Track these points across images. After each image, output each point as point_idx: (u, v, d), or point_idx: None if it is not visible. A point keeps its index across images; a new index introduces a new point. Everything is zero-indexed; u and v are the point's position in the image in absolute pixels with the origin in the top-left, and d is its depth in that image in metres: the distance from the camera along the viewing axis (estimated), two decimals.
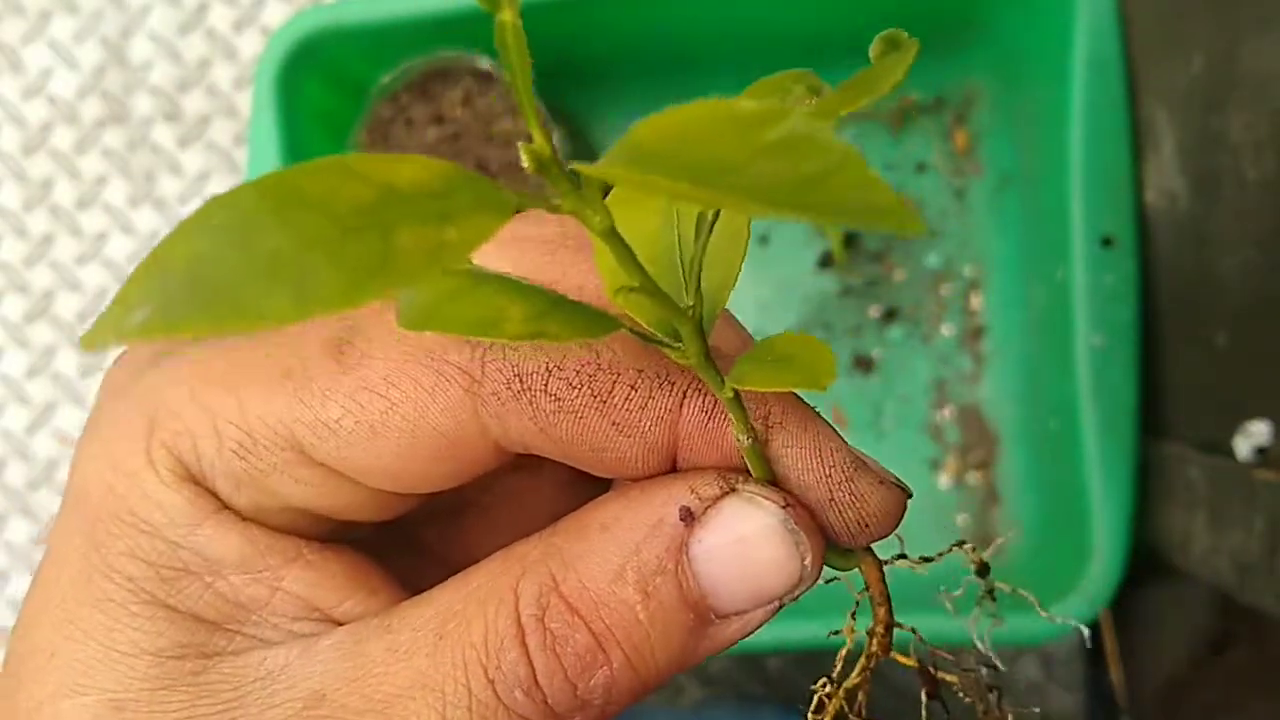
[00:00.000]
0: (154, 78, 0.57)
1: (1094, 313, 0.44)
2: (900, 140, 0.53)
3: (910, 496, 0.17)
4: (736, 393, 0.15)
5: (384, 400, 0.16)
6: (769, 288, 0.53)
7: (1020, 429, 0.51)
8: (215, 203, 0.10)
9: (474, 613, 0.16)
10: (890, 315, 0.52)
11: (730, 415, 0.16)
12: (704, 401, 0.16)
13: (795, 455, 0.16)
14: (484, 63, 0.48)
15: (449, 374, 0.16)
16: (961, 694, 0.18)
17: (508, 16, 0.11)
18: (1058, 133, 0.46)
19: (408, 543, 0.21)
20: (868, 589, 0.17)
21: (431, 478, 0.17)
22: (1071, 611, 0.43)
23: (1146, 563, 0.44)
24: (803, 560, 0.16)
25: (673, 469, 0.17)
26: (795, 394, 0.17)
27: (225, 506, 0.17)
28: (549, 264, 0.18)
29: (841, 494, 0.17)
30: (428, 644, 0.16)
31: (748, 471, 0.16)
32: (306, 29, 0.48)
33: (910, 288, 0.52)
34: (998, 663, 0.18)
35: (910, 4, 0.49)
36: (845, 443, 0.17)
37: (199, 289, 0.10)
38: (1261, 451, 0.38)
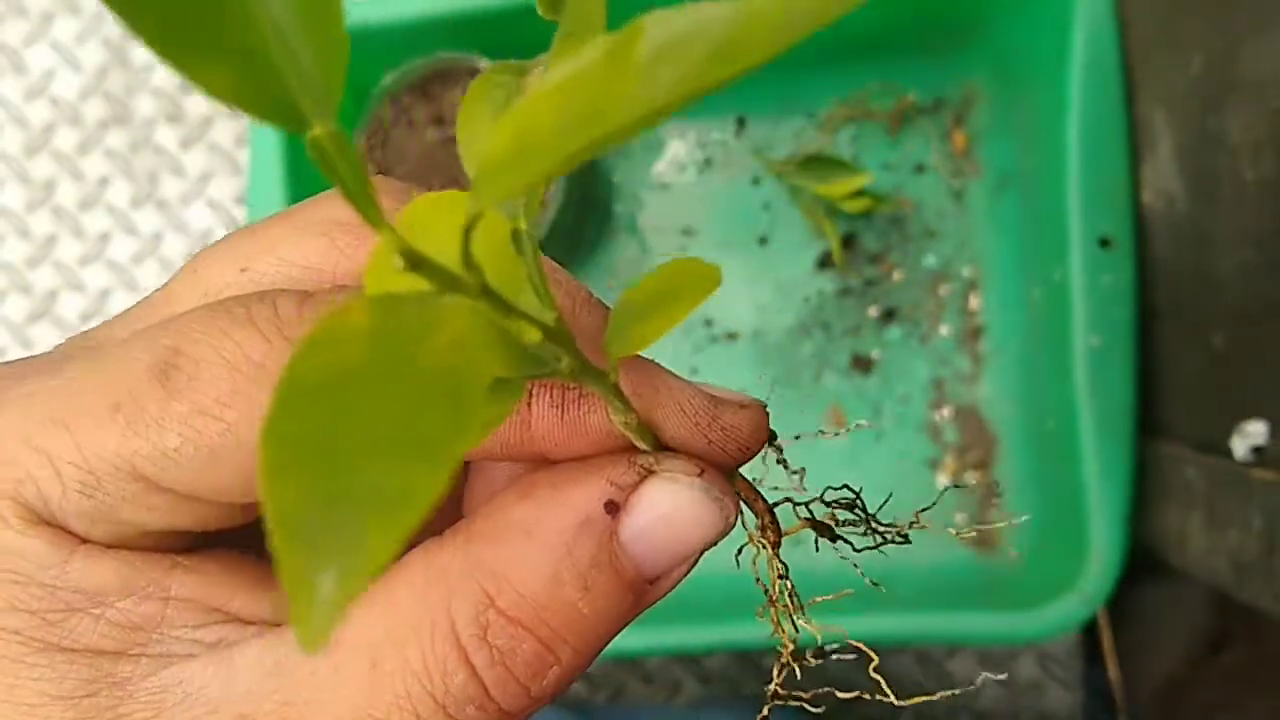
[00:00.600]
0: (156, 79, 0.57)
1: (1092, 313, 0.44)
2: (899, 141, 0.53)
3: (766, 408, 0.18)
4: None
5: (219, 422, 0.16)
6: (768, 288, 0.53)
7: (1018, 429, 0.51)
8: (269, 440, 0.09)
9: (408, 639, 0.16)
10: (889, 315, 0.53)
11: (600, 399, 0.16)
12: (550, 396, 0.17)
13: (660, 418, 0.17)
14: (484, 64, 0.48)
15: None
16: (862, 530, 0.18)
17: (319, 131, 0.11)
18: (1056, 134, 0.46)
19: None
20: (740, 495, 0.18)
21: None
22: (1069, 610, 0.43)
23: (1144, 562, 0.44)
24: (725, 517, 0.17)
25: (540, 459, 0.17)
26: (647, 362, 0.17)
27: (84, 541, 0.17)
28: (358, 247, 0.18)
29: (715, 434, 0.17)
30: (360, 673, 0.16)
31: (633, 446, 0.17)
32: None
33: (909, 288, 0.53)
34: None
35: (909, 5, 0.49)
36: (693, 385, 0.17)
37: (348, 520, 0.09)
38: (1258, 451, 0.38)
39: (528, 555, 0.16)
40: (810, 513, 0.19)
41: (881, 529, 0.19)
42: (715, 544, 0.17)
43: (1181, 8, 0.42)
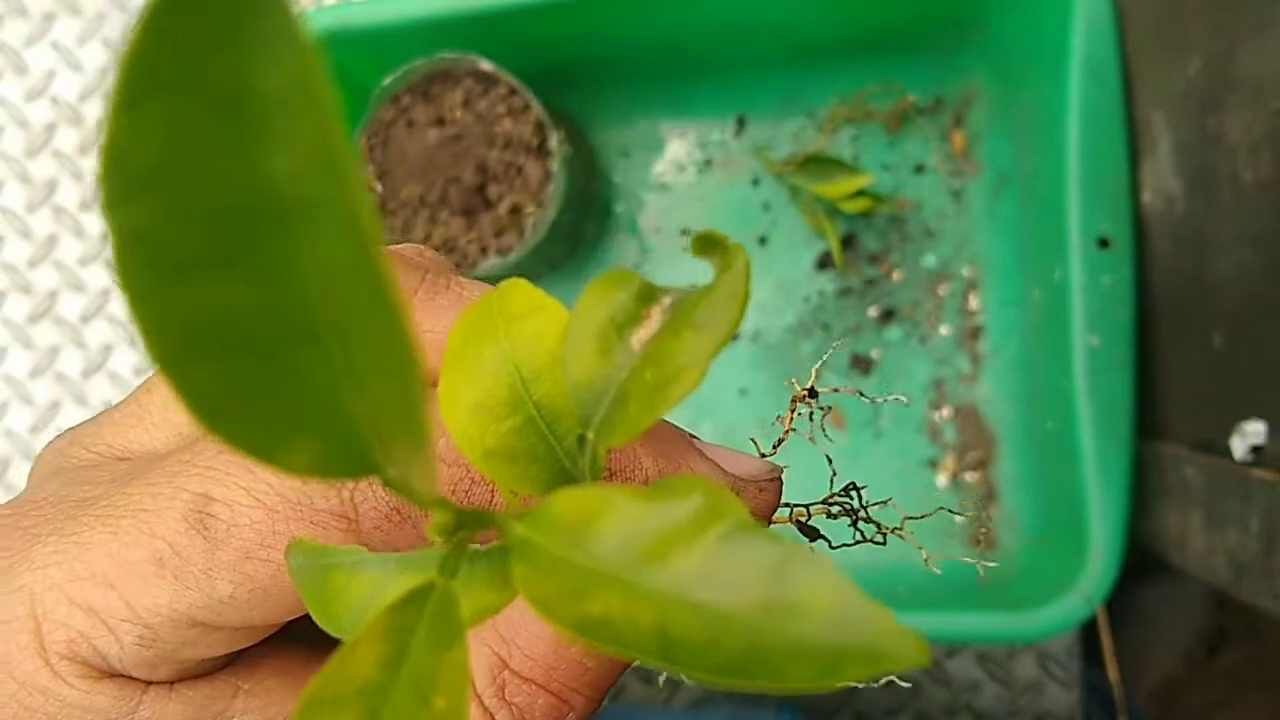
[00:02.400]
0: None
1: (1091, 313, 0.44)
2: (898, 141, 0.53)
3: (781, 477, 0.19)
4: None
5: (268, 564, 0.16)
6: (767, 288, 0.53)
7: (1018, 429, 0.51)
8: None
9: None
10: (888, 315, 0.53)
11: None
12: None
13: None
14: (484, 65, 0.48)
15: (323, 522, 0.16)
16: (857, 531, 0.19)
17: (391, 473, 0.11)
18: (1055, 134, 0.46)
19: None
20: None
21: (290, 611, 0.17)
22: (1068, 610, 0.43)
23: (1143, 562, 0.44)
24: None
25: None
26: (673, 434, 0.18)
27: (149, 684, 0.17)
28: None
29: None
30: None
31: None
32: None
33: (908, 288, 0.53)
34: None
35: (908, 5, 0.49)
36: (717, 465, 0.18)
37: None
38: (1257, 451, 0.38)
39: (532, 619, 0.17)
40: (807, 512, 0.19)
41: (866, 522, 0.19)
42: None
43: (1181, 8, 0.42)
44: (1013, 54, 0.50)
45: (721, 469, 0.18)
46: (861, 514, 0.19)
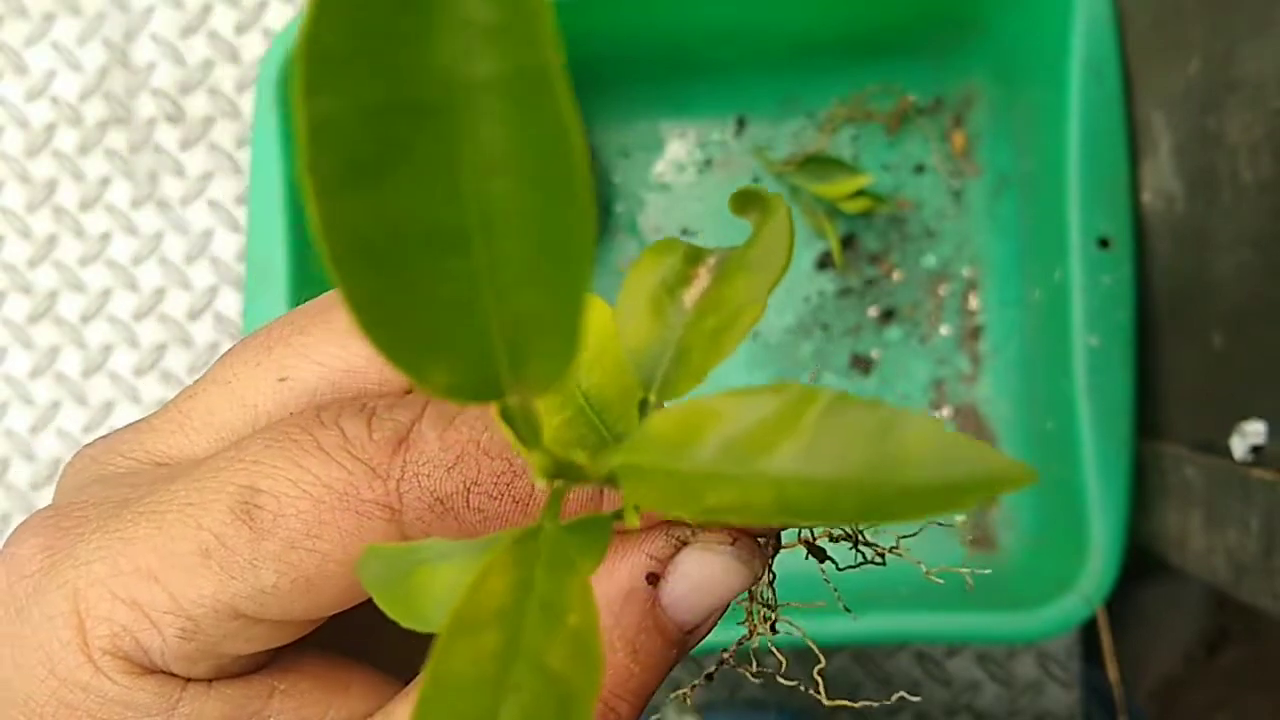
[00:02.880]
0: (157, 80, 0.57)
1: (1091, 313, 0.45)
2: (898, 141, 0.53)
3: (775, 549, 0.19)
4: None
5: (314, 554, 0.16)
6: None
7: (1018, 429, 0.51)
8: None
9: None
10: (888, 315, 0.53)
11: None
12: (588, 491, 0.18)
13: None
14: None
15: (368, 512, 0.16)
16: (860, 555, 0.20)
17: (513, 400, 0.12)
18: (1055, 134, 0.46)
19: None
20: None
21: (334, 603, 0.18)
22: (1068, 610, 0.43)
23: (1143, 562, 0.44)
24: (755, 574, 0.18)
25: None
26: None
27: (189, 681, 0.17)
28: None
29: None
30: None
31: (684, 522, 0.18)
32: None
33: (908, 288, 0.53)
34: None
35: (908, 5, 0.49)
36: (726, 542, 0.19)
37: None
38: (1257, 451, 0.38)
39: None
40: (812, 534, 0.20)
41: (866, 545, 0.20)
42: (744, 591, 0.18)
43: (1181, 8, 0.42)
44: (1013, 54, 0.50)
45: None
46: (860, 537, 0.19)
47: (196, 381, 0.20)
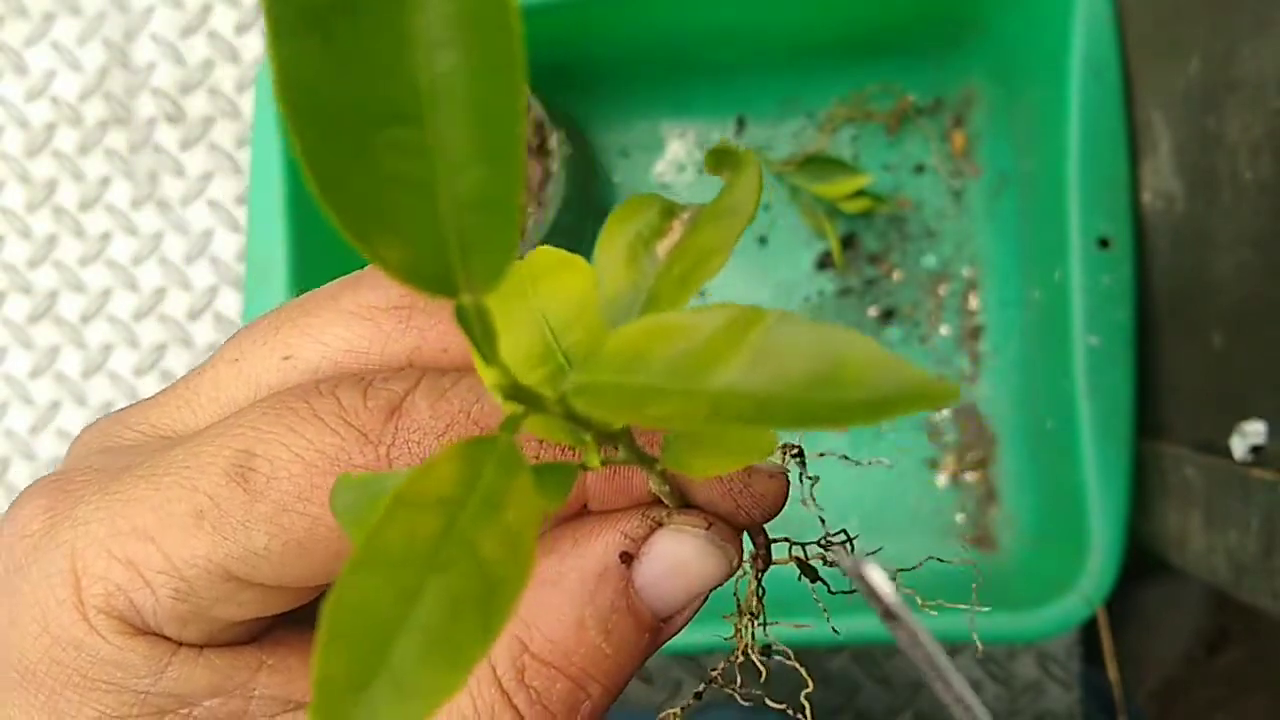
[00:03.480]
0: (157, 80, 0.57)
1: (1091, 313, 0.45)
2: (898, 141, 0.53)
3: (787, 475, 0.19)
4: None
5: (305, 517, 0.17)
6: (767, 289, 0.53)
7: (1018, 429, 0.51)
8: (335, 606, 0.11)
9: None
10: (888, 315, 0.53)
11: (645, 471, 0.18)
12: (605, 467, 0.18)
13: (698, 483, 0.18)
14: None
15: None
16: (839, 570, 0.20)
17: (467, 299, 0.12)
18: (1055, 134, 0.46)
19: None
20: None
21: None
22: (1068, 610, 0.43)
23: (1143, 561, 0.44)
24: (729, 562, 0.18)
25: (581, 510, 0.18)
26: None
27: (180, 645, 0.18)
28: (404, 331, 0.19)
29: (744, 500, 0.18)
30: None
31: (659, 502, 0.18)
32: None
33: (908, 288, 0.53)
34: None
35: (908, 5, 0.49)
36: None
37: (373, 702, 0.10)
38: (1257, 451, 0.38)
39: (554, 604, 0.17)
40: (804, 552, 0.20)
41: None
42: (722, 584, 0.18)
43: (1181, 9, 0.42)
44: (1013, 54, 0.50)
45: None
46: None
47: (205, 361, 0.20)
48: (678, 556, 0.18)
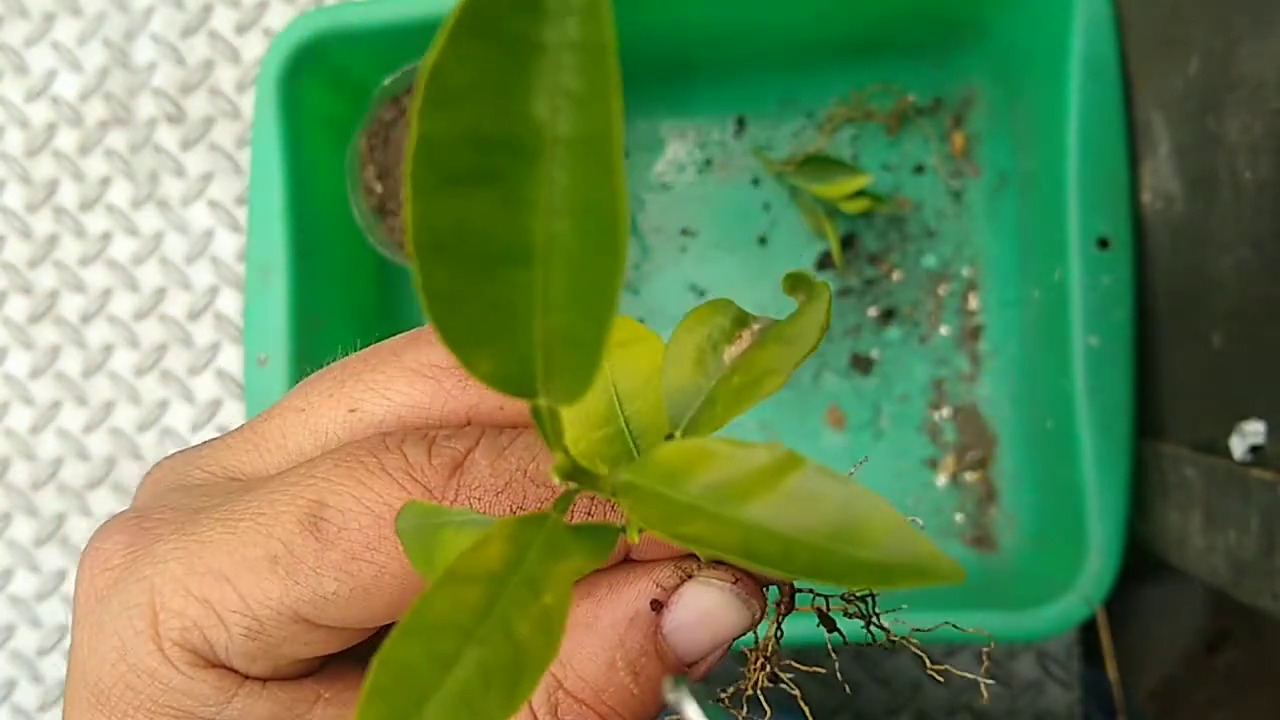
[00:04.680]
0: (157, 80, 0.57)
1: (1090, 313, 0.45)
2: (898, 141, 0.53)
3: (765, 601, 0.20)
4: None
5: (372, 565, 0.18)
6: (768, 289, 0.53)
7: (1017, 429, 0.51)
8: (381, 664, 0.12)
9: None
10: (888, 315, 0.53)
11: None
12: None
13: None
14: None
15: None
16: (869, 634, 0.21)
17: (542, 402, 0.14)
18: (1055, 135, 0.46)
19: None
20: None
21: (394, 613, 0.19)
22: (1068, 610, 0.43)
23: (1142, 561, 0.44)
24: (753, 615, 0.19)
25: (625, 557, 0.19)
26: None
27: (246, 678, 0.19)
28: (464, 389, 0.20)
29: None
30: None
31: (693, 556, 0.19)
32: (309, 31, 0.48)
33: (908, 288, 0.53)
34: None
35: (908, 6, 0.49)
36: (729, 580, 0.19)
37: None
38: (1256, 451, 0.38)
39: (588, 645, 0.19)
40: (826, 604, 0.21)
41: (878, 627, 0.21)
42: (745, 634, 0.19)
43: (1181, 9, 0.42)
44: (1012, 54, 0.50)
45: None
46: (875, 620, 0.21)
47: (271, 407, 0.21)
48: (704, 606, 0.19)
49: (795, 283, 0.18)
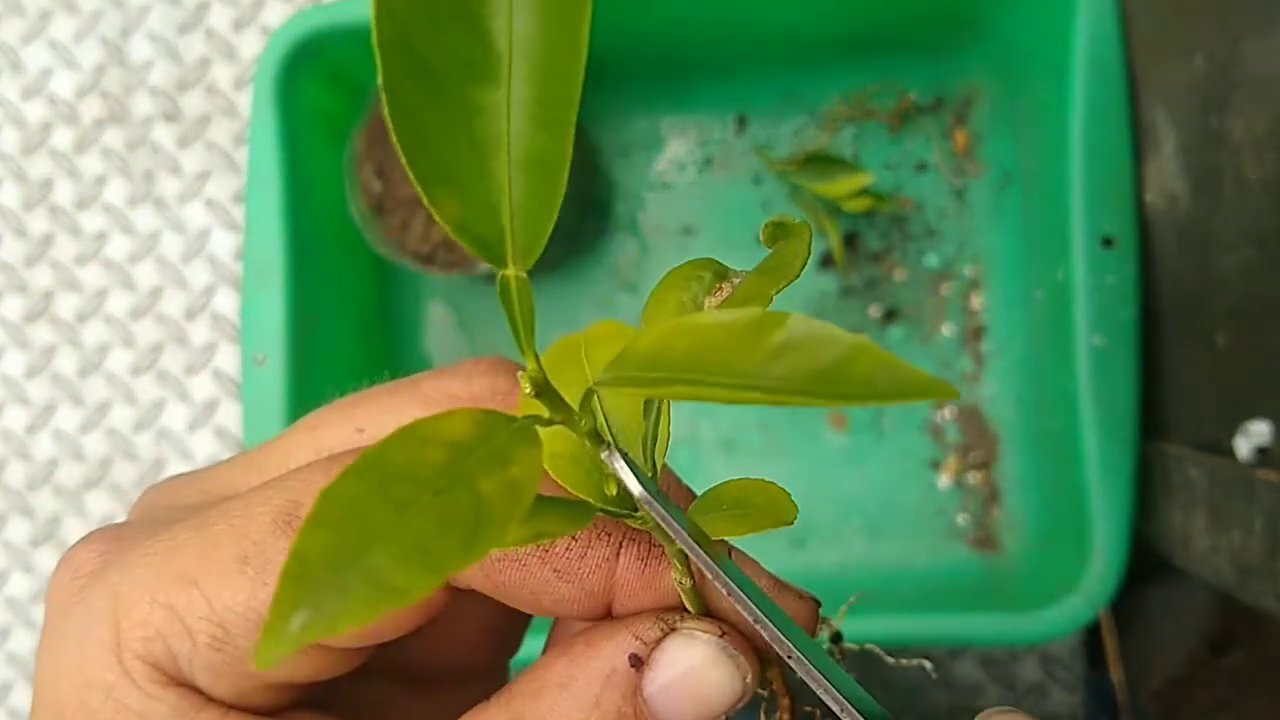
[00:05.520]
0: (153, 77, 0.57)
1: (1094, 313, 0.44)
2: (900, 140, 0.53)
3: (820, 606, 0.19)
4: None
5: None
6: None
7: (1021, 429, 0.51)
8: (325, 497, 0.12)
9: None
10: (890, 315, 0.52)
11: (670, 560, 0.17)
12: (639, 550, 0.18)
13: (726, 586, 0.18)
14: None
15: None
16: None
17: (511, 272, 0.13)
18: (1058, 133, 0.46)
19: (358, 672, 0.22)
20: (773, 684, 0.19)
21: (395, 628, 0.18)
22: (1072, 612, 0.43)
23: (1147, 563, 0.44)
24: (744, 678, 0.18)
25: (607, 611, 0.18)
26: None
27: (209, 702, 0.18)
28: None
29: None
30: None
31: (683, 608, 0.18)
32: (306, 29, 0.48)
33: (910, 288, 0.52)
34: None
35: (910, 3, 0.49)
36: (764, 569, 0.18)
37: (342, 584, 0.11)
38: (1262, 452, 0.38)
39: (560, 705, 0.17)
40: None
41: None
42: (738, 706, 0.18)
43: (1184, 7, 0.42)
44: (1015, 51, 0.50)
45: (765, 569, 0.19)
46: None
47: (285, 430, 0.21)
48: (689, 664, 0.17)
49: (775, 230, 0.17)
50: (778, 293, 0.15)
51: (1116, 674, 0.50)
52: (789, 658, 0.17)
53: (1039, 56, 0.48)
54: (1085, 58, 0.45)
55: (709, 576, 0.17)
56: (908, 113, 0.53)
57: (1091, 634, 0.51)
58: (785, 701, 0.19)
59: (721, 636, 0.17)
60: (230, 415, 0.56)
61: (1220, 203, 0.39)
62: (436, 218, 0.12)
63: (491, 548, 0.11)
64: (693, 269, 0.17)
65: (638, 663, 0.17)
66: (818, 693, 0.17)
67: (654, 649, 0.17)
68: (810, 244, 0.16)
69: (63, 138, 0.58)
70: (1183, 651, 0.47)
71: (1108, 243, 0.45)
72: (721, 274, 0.17)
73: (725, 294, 0.17)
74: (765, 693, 0.19)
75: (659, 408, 0.17)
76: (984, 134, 0.52)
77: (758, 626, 0.17)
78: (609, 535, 0.18)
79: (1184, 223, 0.42)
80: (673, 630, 0.17)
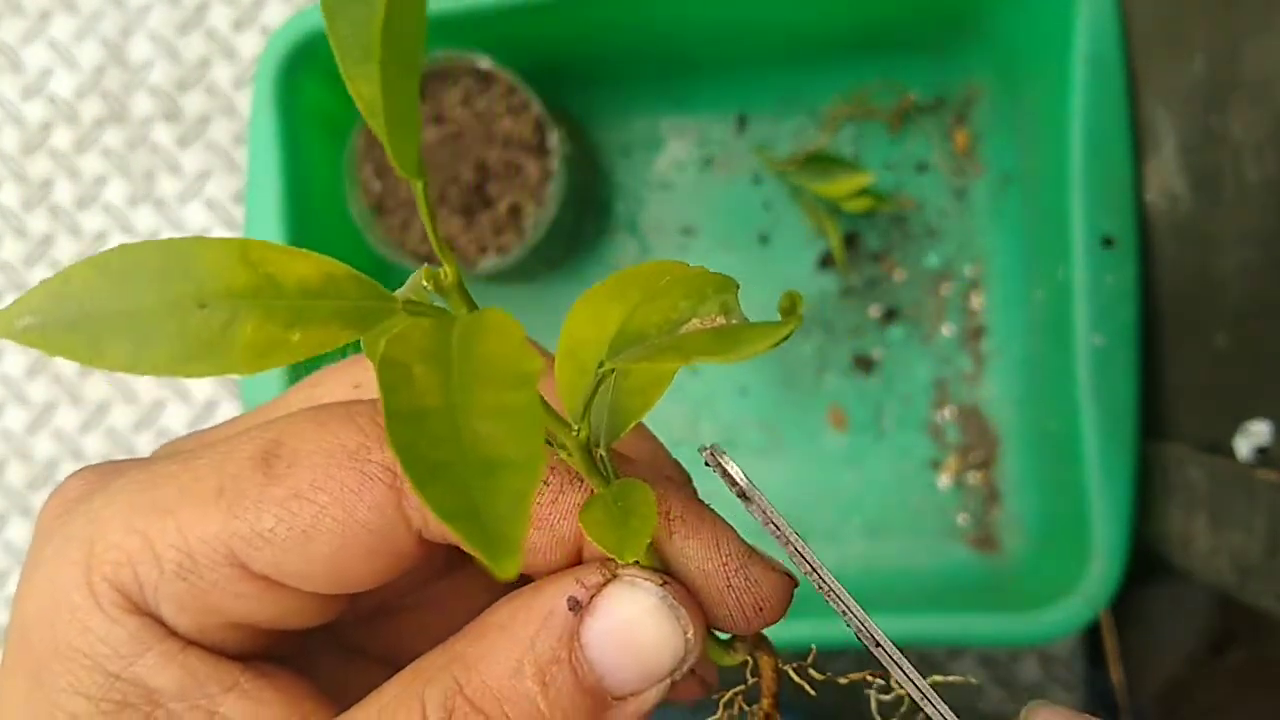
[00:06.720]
0: (153, 77, 0.57)
1: (1095, 313, 0.44)
2: (900, 140, 0.53)
3: (797, 585, 0.19)
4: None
5: (313, 505, 0.17)
6: (769, 288, 0.53)
7: (1021, 429, 0.51)
8: (122, 249, 0.12)
9: None
10: (890, 315, 0.52)
11: (577, 507, 0.18)
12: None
13: (694, 547, 0.18)
14: (483, 63, 0.48)
15: (372, 472, 0.17)
16: None
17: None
18: (1058, 133, 0.46)
19: (340, 646, 0.22)
20: (759, 678, 0.19)
21: (364, 575, 0.18)
22: (1072, 612, 0.43)
23: (1147, 563, 0.44)
24: (685, 634, 0.17)
25: (579, 563, 0.18)
26: (694, 490, 0.19)
27: (170, 634, 0.18)
28: None
29: (737, 580, 0.18)
30: None
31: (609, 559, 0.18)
32: (306, 29, 0.48)
33: (910, 288, 0.52)
34: None
35: (910, 4, 0.49)
36: (738, 535, 0.18)
37: (73, 319, 0.11)
38: (1262, 452, 0.38)
39: (498, 646, 0.17)
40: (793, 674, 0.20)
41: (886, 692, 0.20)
42: (681, 669, 0.18)
43: (1185, 6, 0.42)
44: (1015, 52, 0.50)
45: (740, 537, 0.18)
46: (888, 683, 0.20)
47: (289, 388, 0.21)
48: (628, 614, 0.17)
49: (786, 302, 0.17)
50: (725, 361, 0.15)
51: (1116, 674, 0.50)
52: (874, 645, 0.17)
53: (1039, 56, 0.48)
54: (1085, 58, 0.45)
55: (812, 570, 0.17)
56: (908, 113, 0.53)
57: (1091, 634, 0.51)
58: (766, 702, 0.19)
59: (663, 585, 0.17)
60: (230, 415, 0.56)
61: (1220, 203, 0.39)
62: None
63: (198, 375, 0.12)
64: (709, 284, 0.17)
65: (576, 606, 0.17)
66: (900, 682, 0.17)
67: (595, 595, 0.17)
68: (784, 334, 0.16)
69: (63, 138, 0.58)
70: (1183, 652, 0.47)
71: (1108, 243, 0.45)
72: (729, 309, 0.16)
73: (707, 325, 0.16)
74: (753, 679, 0.19)
75: (613, 381, 0.17)
76: (984, 134, 0.52)
77: (846, 616, 0.17)
78: (580, 482, 0.18)
79: (1184, 223, 0.42)
80: (614, 577, 0.17)
